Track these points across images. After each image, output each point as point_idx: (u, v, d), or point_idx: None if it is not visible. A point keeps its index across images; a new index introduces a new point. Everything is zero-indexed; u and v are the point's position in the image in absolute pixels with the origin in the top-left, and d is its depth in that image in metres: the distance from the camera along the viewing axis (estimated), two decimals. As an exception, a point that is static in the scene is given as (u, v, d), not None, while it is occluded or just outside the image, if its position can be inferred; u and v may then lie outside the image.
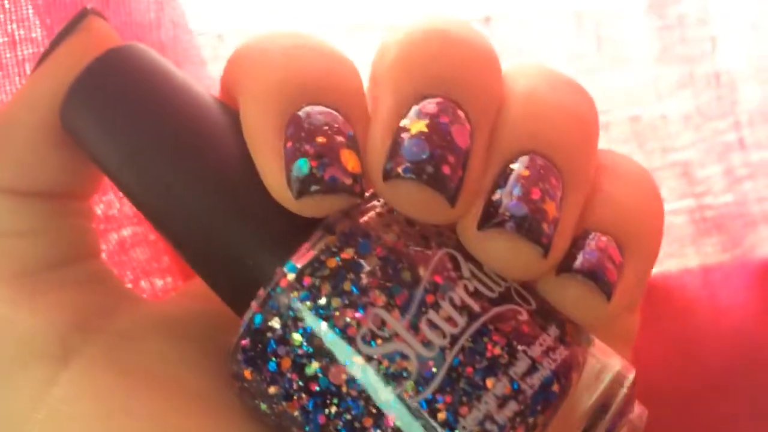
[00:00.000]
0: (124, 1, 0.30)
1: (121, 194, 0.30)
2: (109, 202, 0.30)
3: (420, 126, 0.22)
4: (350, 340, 0.21)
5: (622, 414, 0.22)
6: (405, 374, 0.21)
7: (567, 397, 0.22)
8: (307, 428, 0.22)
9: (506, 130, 0.23)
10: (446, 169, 0.22)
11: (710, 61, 0.40)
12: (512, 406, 0.21)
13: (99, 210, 0.30)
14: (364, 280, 0.22)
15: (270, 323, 0.22)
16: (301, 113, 0.22)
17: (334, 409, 0.22)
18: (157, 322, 0.26)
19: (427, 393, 0.21)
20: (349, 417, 0.21)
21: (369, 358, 0.21)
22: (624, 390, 0.22)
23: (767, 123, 0.41)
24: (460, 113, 0.22)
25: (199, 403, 0.24)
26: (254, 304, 0.22)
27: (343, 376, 0.21)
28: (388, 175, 0.22)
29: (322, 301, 0.22)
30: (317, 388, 0.22)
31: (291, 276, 0.22)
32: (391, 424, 0.21)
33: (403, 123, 0.22)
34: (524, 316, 0.22)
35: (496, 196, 0.22)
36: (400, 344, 0.21)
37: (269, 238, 0.23)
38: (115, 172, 0.24)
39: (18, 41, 0.28)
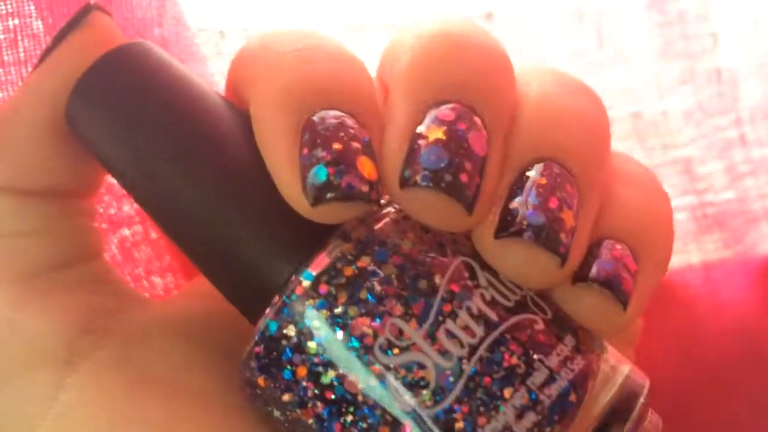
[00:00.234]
0: (126, -3, 0.29)
1: (120, 194, 0.30)
2: (107, 202, 0.30)
3: (438, 133, 0.22)
4: (367, 350, 0.21)
5: (638, 423, 0.22)
6: (422, 384, 0.21)
7: (582, 405, 0.22)
8: (321, 436, 0.22)
9: (521, 136, 0.23)
10: (464, 177, 0.21)
11: (711, 58, 0.40)
12: (530, 417, 0.21)
13: (100, 209, 0.30)
14: (381, 288, 0.21)
15: (285, 331, 0.22)
16: (315, 118, 0.22)
17: (350, 418, 0.21)
18: (163, 323, 0.26)
19: (445, 403, 0.21)
20: (365, 426, 0.21)
21: (386, 368, 0.21)
22: (641, 400, 0.22)
23: (768, 119, 0.41)
24: (477, 119, 0.22)
25: (205, 406, 0.24)
26: (269, 312, 0.22)
27: (360, 385, 0.21)
28: (405, 182, 0.22)
29: (339, 309, 0.21)
30: (333, 397, 0.21)
31: (306, 283, 0.22)
32: (408, 434, 0.21)
33: (420, 130, 0.22)
34: (540, 325, 0.22)
35: (513, 204, 0.22)
36: (418, 354, 0.21)
37: (283, 245, 0.22)
38: (122, 172, 0.24)
39: (20, 38, 0.28)
